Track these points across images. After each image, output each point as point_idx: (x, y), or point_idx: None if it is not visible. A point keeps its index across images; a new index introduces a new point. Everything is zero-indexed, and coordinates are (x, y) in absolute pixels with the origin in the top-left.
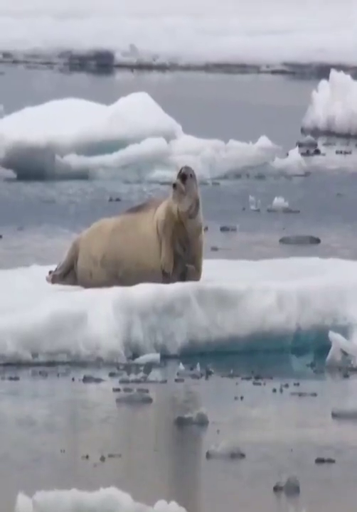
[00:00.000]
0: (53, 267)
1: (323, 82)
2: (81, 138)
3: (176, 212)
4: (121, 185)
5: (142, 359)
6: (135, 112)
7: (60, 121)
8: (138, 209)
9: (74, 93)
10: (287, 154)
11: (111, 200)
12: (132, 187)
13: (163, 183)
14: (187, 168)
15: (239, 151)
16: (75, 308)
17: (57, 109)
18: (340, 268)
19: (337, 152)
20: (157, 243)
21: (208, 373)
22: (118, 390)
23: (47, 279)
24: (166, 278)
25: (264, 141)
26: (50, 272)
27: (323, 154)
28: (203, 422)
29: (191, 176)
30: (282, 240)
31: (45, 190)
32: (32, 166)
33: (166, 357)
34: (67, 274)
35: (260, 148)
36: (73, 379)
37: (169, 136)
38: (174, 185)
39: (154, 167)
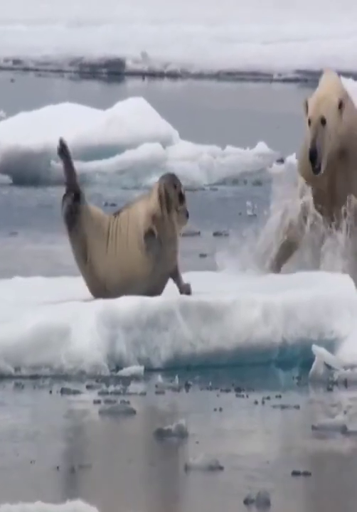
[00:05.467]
0: (37, 278)
1: None
2: (77, 143)
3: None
4: (118, 191)
5: (125, 372)
6: (132, 117)
7: (55, 126)
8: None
9: (83, 101)
10: (283, 160)
11: (106, 204)
12: (129, 192)
13: None
14: (180, 184)
15: (236, 157)
16: (59, 322)
17: (53, 113)
18: (327, 281)
19: None
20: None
21: (187, 386)
22: (98, 401)
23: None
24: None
25: (261, 147)
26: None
27: None
28: (182, 433)
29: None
30: None
31: (40, 195)
32: (27, 171)
33: (150, 370)
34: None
35: (258, 154)
36: (51, 391)
37: (166, 142)
38: (187, 215)
39: (151, 173)
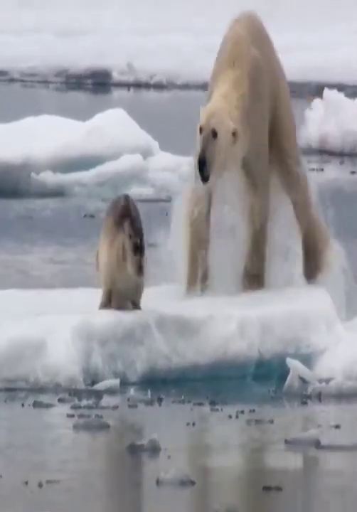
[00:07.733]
0: (13, 290)
1: (316, 101)
2: (57, 155)
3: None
4: (98, 203)
5: (101, 385)
6: (112, 129)
7: (35, 137)
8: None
9: (68, 112)
10: None
11: (85, 216)
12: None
13: (140, 201)
14: (135, 235)
15: None
16: (34, 335)
17: (33, 125)
18: (303, 295)
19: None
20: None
21: (160, 400)
22: (72, 415)
23: None
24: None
25: None
26: None
27: None
28: (155, 448)
29: None
30: None
31: (19, 207)
32: (7, 184)
33: (126, 384)
34: None
35: None
36: (23, 404)
37: (146, 153)
38: (140, 269)
39: (131, 184)
